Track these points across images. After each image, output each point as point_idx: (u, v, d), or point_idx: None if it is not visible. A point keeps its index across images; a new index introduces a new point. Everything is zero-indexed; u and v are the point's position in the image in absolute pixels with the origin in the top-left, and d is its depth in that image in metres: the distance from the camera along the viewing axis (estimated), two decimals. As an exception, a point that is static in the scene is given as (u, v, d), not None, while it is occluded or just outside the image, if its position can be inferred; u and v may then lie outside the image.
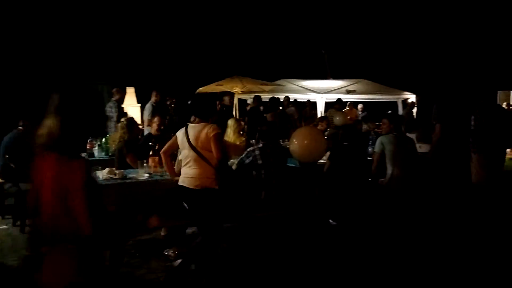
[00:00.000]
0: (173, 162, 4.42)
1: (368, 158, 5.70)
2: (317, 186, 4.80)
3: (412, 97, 13.52)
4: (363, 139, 7.08)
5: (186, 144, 3.74)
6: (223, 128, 6.71)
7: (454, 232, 4.91)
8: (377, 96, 14.08)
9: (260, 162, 4.44)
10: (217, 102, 9.52)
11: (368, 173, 5.27)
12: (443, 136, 5.17)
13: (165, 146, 4.15)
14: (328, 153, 5.47)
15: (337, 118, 8.55)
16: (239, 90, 11.84)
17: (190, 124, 3.86)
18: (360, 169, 5.26)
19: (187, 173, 3.81)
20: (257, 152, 4.48)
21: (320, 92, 13.15)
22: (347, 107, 13.13)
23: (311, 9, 21.86)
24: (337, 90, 13.41)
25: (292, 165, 4.89)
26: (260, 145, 4.55)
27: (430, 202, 5.22)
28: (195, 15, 20.58)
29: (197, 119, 3.89)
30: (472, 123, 5.44)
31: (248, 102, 12.65)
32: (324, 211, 5.04)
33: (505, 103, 11.79)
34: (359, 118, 11.52)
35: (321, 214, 5.05)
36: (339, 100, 11.58)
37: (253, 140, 6.17)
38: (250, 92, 12.17)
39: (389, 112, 13.13)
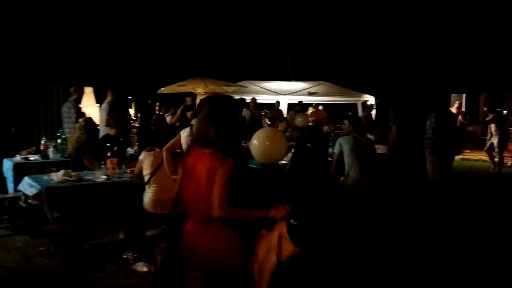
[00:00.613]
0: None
1: (329, 159, 5.79)
2: (278, 187, 4.82)
3: (371, 100, 13.89)
4: (325, 140, 7.19)
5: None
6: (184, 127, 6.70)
7: (413, 229, 5.08)
8: (338, 98, 14.38)
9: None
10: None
11: (329, 173, 5.36)
12: (399, 137, 5.34)
13: (169, 143, 4.15)
14: (290, 154, 5.53)
15: (299, 119, 8.61)
16: (202, 91, 11.75)
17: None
18: (322, 170, 5.33)
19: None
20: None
21: (282, 93, 13.27)
22: (312, 108, 13.33)
23: (274, 11, 22.05)
24: (299, 92, 13.59)
25: (254, 166, 4.90)
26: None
27: (388, 201, 5.37)
28: (156, 14, 20.26)
29: None
30: (432, 124, 5.64)
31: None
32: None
33: (457, 103, 12.31)
34: (327, 119, 11.70)
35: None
36: (300, 102, 11.74)
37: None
38: (212, 93, 12.10)
39: (350, 113, 13.45)
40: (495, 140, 9.80)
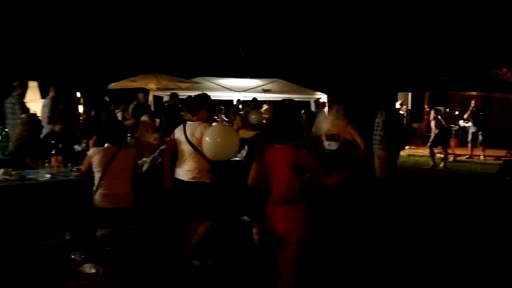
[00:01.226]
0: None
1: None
2: (232, 183, 4.82)
3: (323, 97, 14.18)
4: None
5: (184, 139, 4.01)
6: (136, 125, 6.53)
7: (361, 224, 5.25)
8: (292, 96, 14.52)
9: (172, 160, 4.36)
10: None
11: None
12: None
13: (167, 146, 4.31)
14: (243, 151, 5.53)
15: (253, 116, 8.64)
16: (154, 87, 11.54)
17: (188, 122, 4.13)
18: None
19: (183, 166, 4.04)
20: (170, 151, 4.39)
21: (237, 90, 13.28)
22: (266, 105, 13.40)
23: (228, 7, 21.98)
24: (253, 89, 13.65)
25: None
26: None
27: (340, 196, 5.52)
28: (108, 7, 19.61)
29: (195, 117, 4.12)
30: (382, 122, 5.84)
31: (165, 99, 12.39)
32: (238, 208, 5.09)
33: (401, 100, 12.87)
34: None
35: (236, 211, 5.11)
36: (254, 99, 11.74)
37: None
38: (166, 89, 11.92)
39: (303, 111, 13.70)
40: (435, 137, 10.36)
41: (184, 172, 4.02)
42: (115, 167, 3.96)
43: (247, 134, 5.77)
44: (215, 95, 12.68)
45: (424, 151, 12.23)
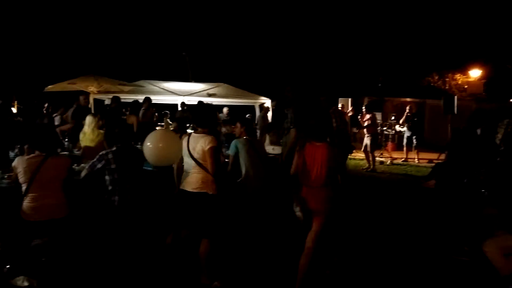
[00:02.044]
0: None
1: (226, 160, 5.89)
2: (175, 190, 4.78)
3: (268, 102, 14.39)
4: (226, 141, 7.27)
5: (186, 152, 4.03)
6: (79, 128, 6.29)
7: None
8: (236, 100, 14.62)
9: (113, 166, 4.23)
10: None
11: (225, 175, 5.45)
12: (298, 139, 5.60)
13: None
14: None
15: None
16: (95, 90, 11.12)
17: (193, 133, 4.10)
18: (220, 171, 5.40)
19: (187, 177, 4.08)
20: (110, 156, 4.25)
21: (181, 94, 13.13)
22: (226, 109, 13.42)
23: (173, 11, 21.72)
24: (198, 93, 13.55)
25: (149, 168, 4.79)
26: (114, 148, 4.35)
27: (284, 198, 5.63)
28: (46, 7, 18.67)
29: (199, 129, 4.08)
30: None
31: (106, 102, 11.99)
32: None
33: (341, 104, 13.38)
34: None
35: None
36: (200, 103, 11.58)
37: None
38: (107, 92, 11.53)
39: (248, 115, 13.82)
40: (368, 141, 10.86)
41: (188, 183, 4.06)
42: (43, 176, 3.76)
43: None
44: (158, 99, 12.48)
45: (362, 154, 12.77)
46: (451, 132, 9.37)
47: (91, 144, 5.89)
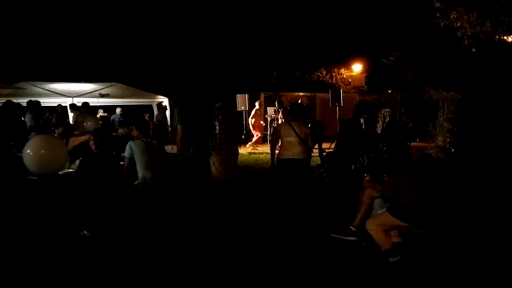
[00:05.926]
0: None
1: (122, 162, 5.69)
2: (63, 198, 4.50)
3: (165, 101, 14.15)
4: (119, 144, 6.98)
5: (293, 134, 5.65)
6: None
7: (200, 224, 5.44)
8: (132, 100, 14.15)
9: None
10: None
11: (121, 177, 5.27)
12: (184, 136, 5.60)
13: (273, 138, 6.45)
14: (77, 161, 5.21)
15: (89, 123, 8.16)
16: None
17: (292, 122, 5.77)
18: (114, 175, 5.19)
19: (294, 150, 5.66)
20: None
21: (70, 95, 12.29)
22: (102, 111, 12.78)
23: (59, 7, 20.10)
24: (89, 94, 12.81)
25: (34, 178, 4.42)
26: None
27: (181, 197, 5.62)
28: None
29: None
30: (219, 124, 6.05)
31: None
32: (76, 222, 4.77)
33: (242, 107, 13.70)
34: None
35: (72, 226, 4.77)
36: (84, 104, 10.68)
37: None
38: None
39: (146, 115, 13.44)
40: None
41: (298, 153, 5.67)
42: None
43: (77, 141, 5.47)
44: (45, 101, 11.52)
45: (264, 149, 13.22)
46: (339, 123, 10.12)
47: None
